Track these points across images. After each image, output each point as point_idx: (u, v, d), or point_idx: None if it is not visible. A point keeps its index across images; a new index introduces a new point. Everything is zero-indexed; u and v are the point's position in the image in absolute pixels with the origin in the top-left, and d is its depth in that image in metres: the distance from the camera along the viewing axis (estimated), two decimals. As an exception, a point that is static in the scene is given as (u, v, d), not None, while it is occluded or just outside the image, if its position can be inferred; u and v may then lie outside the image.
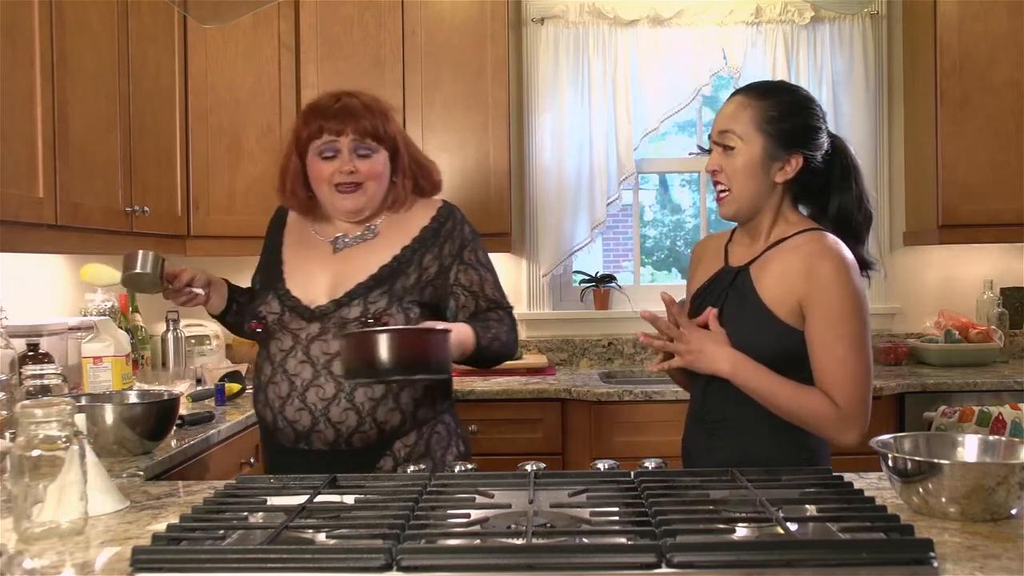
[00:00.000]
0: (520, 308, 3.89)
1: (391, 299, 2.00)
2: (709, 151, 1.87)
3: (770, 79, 2.01)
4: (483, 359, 2.09)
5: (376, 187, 2.08)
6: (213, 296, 2.17)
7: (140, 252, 2.05)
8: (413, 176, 2.15)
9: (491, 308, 2.13)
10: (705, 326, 1.80)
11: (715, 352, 1.76)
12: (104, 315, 2.87)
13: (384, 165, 2.08)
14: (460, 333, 1.99)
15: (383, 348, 1.77)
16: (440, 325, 1.93)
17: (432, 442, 2.06)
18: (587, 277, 3.91)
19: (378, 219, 2.14)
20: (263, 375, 2.06)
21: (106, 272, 2.12)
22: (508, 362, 3.46)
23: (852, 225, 1.85)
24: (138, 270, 2.03)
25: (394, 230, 2.12)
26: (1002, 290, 3.83)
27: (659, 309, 1.85)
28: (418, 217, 2.14)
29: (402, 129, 2.16)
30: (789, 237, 1.82)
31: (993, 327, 3.64)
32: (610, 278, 3.90)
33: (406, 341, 1.80)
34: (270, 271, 2.15)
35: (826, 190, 1.86)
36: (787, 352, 1.76)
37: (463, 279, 2.10)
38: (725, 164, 1.82)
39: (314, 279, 2.08)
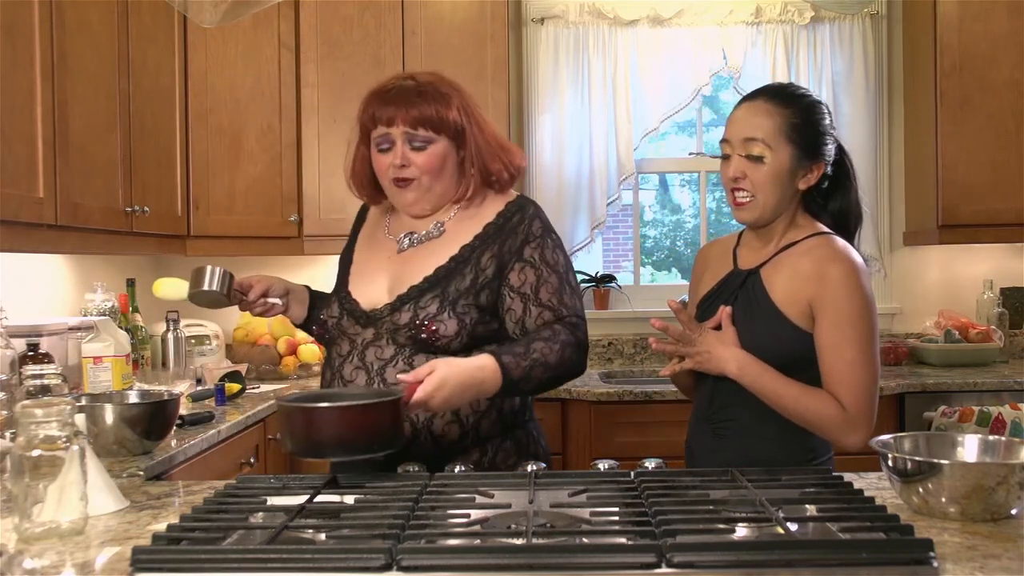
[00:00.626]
0: (520, 308, 3.89)
1: (442, 304, 1.85)
2: (723, 156, 1.84)
3: (781, 82, 2.00)
4: (524, 390, 1.84)
5: (431, 181, 1.91)
6: (293, 305, 2.05)
7: (208, 268, 1.95)
8: (481, 166, 1.94)
9: (547, 320, 1.89)
10: (718, 326, 1.80)
11: (722, 352, 1.76)
12: (104, 315, 2.87)
13: (441, 157, 1.90)
14: (475, 372, 1.71)
15: (310, 425, 1.54)
16: (412, 384, 1.64)
17: (498, 460, 1.90)
18: (587, 277, 3.91)
19: (449, 214, 1.97)
20: (324, 380, 1.98)
21: (183, 286, 2.05)
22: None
23: (848, 224, 1.87)
24: (205, 288, 1.94)
25: (461, 227, 1.95)
26: (1002, 290, 3.83)
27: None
28: (486, 212, 1.95)
29: (473, 111, 1.94)
30: (800, 241, 1.82)
31: (993, 327, 3.64)
32: (610, 278, 3.90)
33: (328, 419, 1.53)
34: (341, 272, 2.05)
35: (827, 190, 1.87)
36: (796, 354, 1.76)
37: (514, 278, 1.89)
38: (751, 172, 1.78)
39: (376, 281, 1.97)
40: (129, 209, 2.72)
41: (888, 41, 3.87)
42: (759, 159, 1.77)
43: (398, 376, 1.71)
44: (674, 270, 6.48)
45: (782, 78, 3.74)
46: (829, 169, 1.84)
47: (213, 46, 3.34)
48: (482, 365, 1.73)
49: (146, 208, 2.78)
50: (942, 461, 1.40)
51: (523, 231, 1.92)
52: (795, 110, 1.79)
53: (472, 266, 1.90)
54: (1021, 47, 3.47)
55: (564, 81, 3.80)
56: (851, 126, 3.77)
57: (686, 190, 6.50)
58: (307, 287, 2.12)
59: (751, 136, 1.78)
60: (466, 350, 1.84)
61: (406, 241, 1.98)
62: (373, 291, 1.94)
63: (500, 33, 3.50)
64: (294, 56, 3.48)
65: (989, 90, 3.48)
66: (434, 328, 1.83)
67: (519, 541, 1.21)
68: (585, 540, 1.23)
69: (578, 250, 3.84)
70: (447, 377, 1.66)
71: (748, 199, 1.80)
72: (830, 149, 1.83)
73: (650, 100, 3.81)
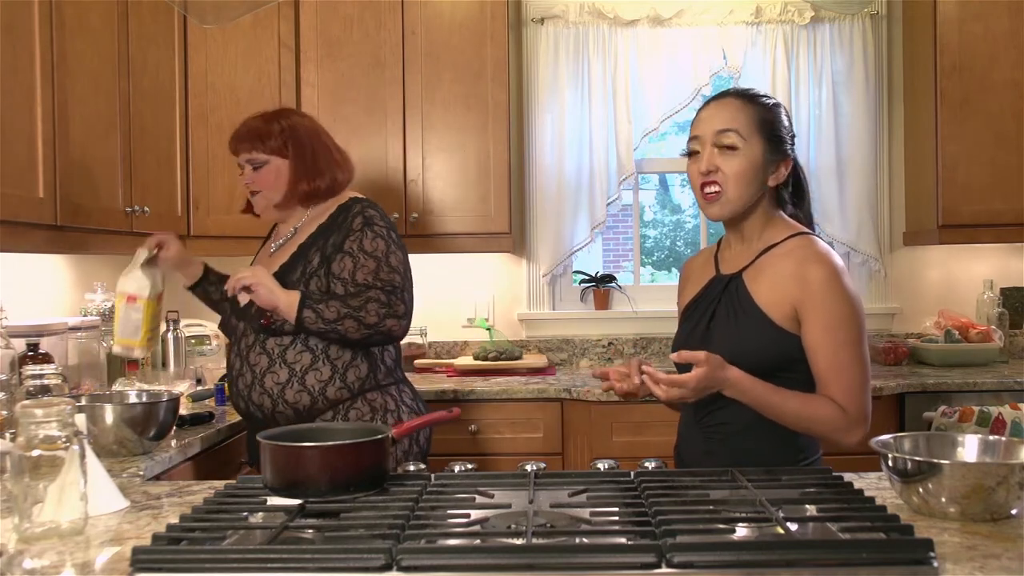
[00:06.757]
0: (520, 308, 3.90)
1: None
2: (690, 154, 1.85)
3: (747, 87, 2.03)
4: (326, 318, 2.20)
5: (270, 192, 2.39)
6: (186, 266, 2.55)
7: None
8: (296, 183, 2.38)
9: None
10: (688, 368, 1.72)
11: (719, 380, 1.70)
12: (104, 314, 2.86)
13: (274, 173, 2.38)
14: (283, 299, 2.20)
15: (293, 464, 1.47)
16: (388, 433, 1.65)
17: (351, 417, 2.29)
18: (587, 277, 3.91)
19: (301, 220, 2.42)
20: (227, 369, 2.47)
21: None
22: (508, 362, 3.51)
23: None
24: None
25: (306, 229, 2.38)
26: (1002, 290, 3.82)
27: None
28: (323, 215, 2.38)
29: (299, 134, 2.41)
30: (781, 242, 1.83)
31: (993, 327, 3.63)
32: (610, 278, 3.90)
33: (311, 459, 1.46)
34: None
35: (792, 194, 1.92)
36: (783, 355, 1.77)
37: (335, 267, 2.28)
38: (723, 164, 1.79)
39: None
40: (129, 209, 2.71)
41: (888, 41, 3.87)
42: (733, 148, 1.78)
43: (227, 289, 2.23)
44: (674, 270, 6.48)
45: (782, 78, 3.74)
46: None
47: (213, 46, 3.34)
48: (290, 296, 2.22)
49: (146, 208, 2.78)
50: (942, 461, 1.40)
51: (345, 227, 2.31)
52: (764, 108, 1.83)
53: (302, 260, 2.31)
54: (1021, 47, 3.47)
55: (564, 81, 3.79)
56: (851, 126, 3.77)
57: (686, 190, 6.50)
58: (203, 263, 2.60)
59: (725, 127, 1.79)
60: (305, 330, 2.24)
61: (273, 246, 2.46)
62: None
63: (500, 33, 3.50)
64: (294, 56, 3.48)
65: (989, 90, 3.48)
66: (268, 313, 2.25)
67: (519, 541, 1.21)
68: (585, 540, 1.23)
69: (578, 250, 3.84)
70: (261, 271, 2.23)
71: (717, 193, 1.80)
72: (793, 145, 1.86)
73: (650, 100, 3.81)
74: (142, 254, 2.43)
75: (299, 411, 2.28)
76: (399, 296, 2.28)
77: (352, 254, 2.28)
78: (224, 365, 3.29)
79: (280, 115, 2.46)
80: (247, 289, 2.19)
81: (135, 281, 2.43)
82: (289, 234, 2.42)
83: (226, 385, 2.85)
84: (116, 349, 2.45)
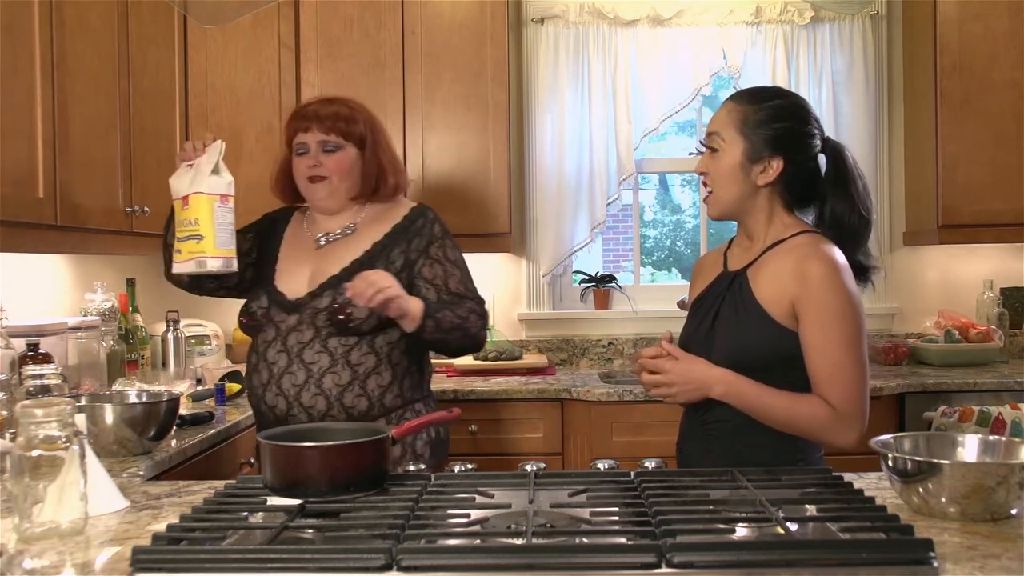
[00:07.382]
0: (520, 308, 3.90)
1: None
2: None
3: (765, 85, 2.03)
4: (440, 326, 2.16)
5: (340, 180, 2.28)
6: None
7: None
8: (374, 177, 2.32)
9: (454, 301, 2.26)
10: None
11: (705, 375, 1.75)
12: (104, 314, 2.86)
13: (349, 161, 2.29)
14: (413, 307, 2.12)
15: (293, 464, 1.47)
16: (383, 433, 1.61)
17: None
18: (587, 277, 3.92)
19: (359, 216, 2.33)
20: (249, 364, 2.26)
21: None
22: (508, 362, 3.51)
23: (846, 229, 1.83)
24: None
25: (371, 227, 2.31)
26: (1002, 290, 3.83)
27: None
28: (393, 215, 2.33)
29: (376, 128, 2.36)
30: (786, 239, 1.83)
31: (993, 327, 3.64)
32: (610, 278, 3.90)
33: (312, 459, 1.46)
34: (266, 269, 2.33)
35: (821, 195, 1.86)
36: (783, 353, 1.76)
37: (426, 272, 2.26)
38: (710, 166, 1.86)
39: (299, 274, 2.27)
40: (129, 209, 2.71)
41: (888, 41, 3.87)
42: (716, 151, 1.85)
43: (345, 286, 2.07)
44: (674, 270, 6.49)
45: (782, 78, 3.74)
46: (809, 168, 1.84)
47: (213, 46, 3.34)
48: (415, 302, 2.13)
49: (146, 208, 2.78)
50: (942, 461, 1.41)
51: (427, 233, 2.30)
52: (759, 108, 1.83)
53: (383, 259, 2.25)
54: (1021, 47, 3.47)
55: (564, 81, 3.79)
56: (851, 126, 3.77)
57: (686, 190, 6.51)
58: None
59: (711, 130, 1.88)
60: (375, 332, 2.18)
61: (323, 239, 2.32)
62: (296, 283, 2.26)
63: (500, 33, 3.50)
64: (294, 56, 3.48)
65: (989, 90, 3.48)
66: (348, 311, 2.13)
67: (519, 541, 1.21)
68: (585, 540, 1.23)
69: (578, 250, 3.84)
70: (386, 274, 2.09)
71: (710, 194, 1.88)
72: (803, 148, 1.82)
73: (650, 100, 3.81)
74: (213, 152, 2.08)
75: (352, 416, 2.16)
76: (484, 307, 2.31)
77: (440, 261, 2.28)
78: (224, 364, 3.30)
79: (355, 102, 2.38)
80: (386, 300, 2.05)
81: (223, 178, 2.08)
82: (347, 230, 2.31)
83: (250, 385, 2.73)
84: (215, 265, 2.06)
